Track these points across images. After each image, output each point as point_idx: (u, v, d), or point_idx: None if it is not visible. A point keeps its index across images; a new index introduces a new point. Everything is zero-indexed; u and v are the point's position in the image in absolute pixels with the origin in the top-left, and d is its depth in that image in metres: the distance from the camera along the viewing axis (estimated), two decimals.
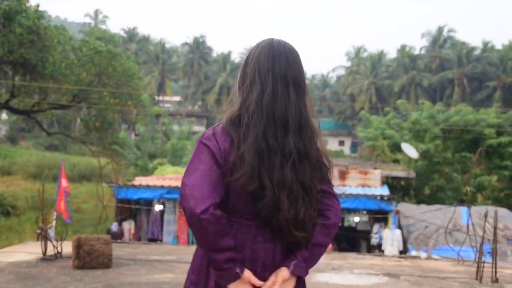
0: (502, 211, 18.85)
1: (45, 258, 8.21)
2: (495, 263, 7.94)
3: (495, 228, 8.12)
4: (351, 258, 9.86)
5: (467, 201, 9.74)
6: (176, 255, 9.32)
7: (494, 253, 8.06)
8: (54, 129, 52.31)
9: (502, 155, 25.36)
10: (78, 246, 7.58)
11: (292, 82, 2.22)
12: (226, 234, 2.15)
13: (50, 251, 8.37)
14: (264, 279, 2.20)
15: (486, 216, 8.62)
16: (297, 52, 2.30)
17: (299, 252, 2.21)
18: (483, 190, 26.13)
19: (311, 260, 2.25)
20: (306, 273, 2.22)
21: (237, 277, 2.15)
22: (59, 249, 8.21)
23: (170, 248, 10.40)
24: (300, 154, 2.18)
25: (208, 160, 2.20)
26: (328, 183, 2.30)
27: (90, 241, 7.62)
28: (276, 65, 2.23)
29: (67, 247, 8.48)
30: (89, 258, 7.65)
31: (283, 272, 2.19)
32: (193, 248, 10.82)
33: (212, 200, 2.13)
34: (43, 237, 8.17)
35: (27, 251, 8.91)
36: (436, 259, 10.07)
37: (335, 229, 2.27)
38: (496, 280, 7.90)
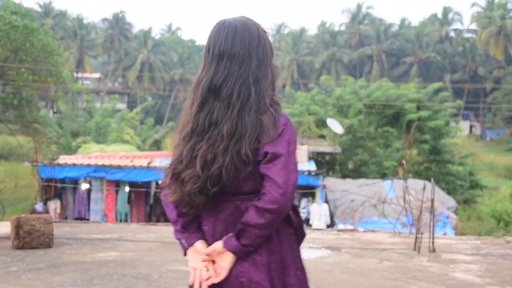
0: (422, 184, 19.58)
1: None
2: (433, 234, 8.24)
3: (432, 200, 8.41)
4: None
5: (404, 174, 10.02)
6: (118, 234, 9.18)
7: (432, 224, 8.36)
8: None
9: (422, 129, 26.16)
10: (18, 226, 7.35)
11: (220, 54, 2.27)
12: (172, 208, 2.35)
13: None
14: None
15: (424, 189, 8.90)
16: (240, 23, 2.32)
17: (237, 228, 2.25)
18: (402, 164, 26.92)
19: (244, 238, 2.22)
20: (236, 249, 2.22)
21: (185, 247, 2.34)
22: None
23: (110, 227, 10.22)
24: (213, 122, 2.24)
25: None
26: (272, 163, 2.20)
27: (30, 221, 7.40)
28: (208, 43, 2.33)
29: (3, 228, 8.20)
30: (29, 238, 7.43)
31: (217, 244, 2.27)
32: (131, 226, 10.68)
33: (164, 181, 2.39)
34: None
35: None
36: (374, 232, 10.34)
37: (269, 215, 2.19)
38: (433, 250, 8.22)
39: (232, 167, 2.18)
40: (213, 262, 2.28)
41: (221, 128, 2.20)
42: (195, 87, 2.31)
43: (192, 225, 2.33)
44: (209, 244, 2.29)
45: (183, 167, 2.24)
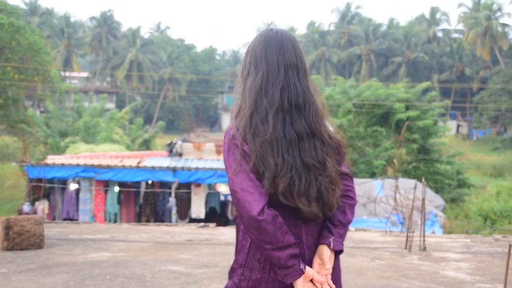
0: (412, 183, 19.64)
1: None
2: (424, 233, 8.28)
3: (423, 199, 8.45)
4: None
5: (394, 172, 10.05)
6: (109, 234, 9.14)
7: (422, 223, 8.39)
8: None
9: (411, 128, 26.25)
10: (7, 227, 7.29)
11: (288, 65, 2.27)
12: (285, 231, 2.16)
13: None
14: (311, 260, 2.25)
15: (415, 188, 8.95)
16: (292, 37, 2.36)
17: (335, 229, 2.27)
18: (392, 163, 27.05)
19: (344, 236, 2.32)
20: (343, 247, 2.30)
21: (301, 273, 2.16)
22: None
23: (101, 227, 10.18)
24: (300, 134, 2.22)
25: (244, 160, 2.21)
26: (345, 164, 2.38)
27: (20, 222, 7.35)
28: (268, 52, 2.28)
29: None
30: (19, 239, 7.38)
31: (326, 250, 2.23)
32: (123, 226, 10.65)
33: (264, 200, 2.16)
34: None
35: None
36: (365, 231, 10.37)
37: (354, 209, 2.37)
38: (424, 249, 8.26)
39: (337, 179, 2.27)
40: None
41: (312, 142, 2.23)
42: (261, 97, 2.23)
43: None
44: (305, 253, 2.24)
45: (297, 183, 2.17)
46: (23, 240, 7.39)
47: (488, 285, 6.42)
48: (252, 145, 2.19)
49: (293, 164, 2.18)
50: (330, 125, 2.36)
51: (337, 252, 2.29)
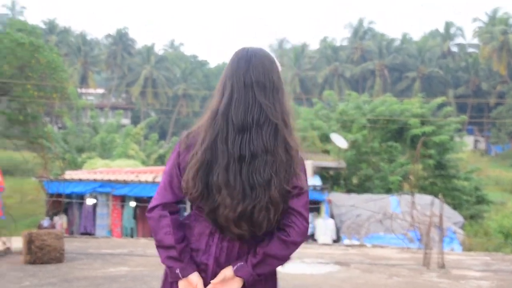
0: (428, 199, 19.55)
1: None
2: (442, 250, 8.26)
3: (441, 215, 8.44)
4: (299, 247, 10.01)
5: (411, 188, 10.06)
6: (127, 248, 9.23)
7: (440, 240, 8.38)
8: None
9: (426, 144, 26.17)
10: (29, 242, 7.41)
11: (254, 83, 2.27)
12: (167, 232, 2.23)
13: None
14: (216, 274, 2.25)
15: (432, 204, 8.93)
16: (264, 56, 2.35)
17: (250, 257, 2.25)
18: (409, 179, 26.93)
19: (261, 267, 2.26)
20: (251, 277, 2.24)
21: (178, 277, 2.23)
22: (7, 245, 7.97)
23: (119, 242, 10.27)
24: (255, 153, 2.20)
25: (172, 162, 2.34)
26: (298, 198, 2.27)
27: (42, 236, 7.46)
28: (236, 71, 2.31)
29: (15, 243, 8.25)
30: (41, 253, 7.48)
31: (226, 271, 2.24)
32: (140, 241, 10.73)
33: (161, 200, 2.29)
34: None
35: None
36: (382, 247, 10.37)
37: (295, 247, 2.27)
38: (443, 266, 8.24)
39: (277, 199, 2.19)
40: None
41: (278, 158, 2.20)
42: (225, 113, 2.25)
43: (187, 254, 2.26)
44: (209, 265, 2.26)
45: (254, 198, 2.16)
46: (44, 254, 7.51)
47: None
48: (194, 154, 2.24)
49: (240, 186, 2.17)
50: (294, 142, 2.28)
51: (247, 279, 2.24)
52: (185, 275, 2.22)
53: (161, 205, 2.26)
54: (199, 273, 2.25)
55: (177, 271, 2.22)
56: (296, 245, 2.26)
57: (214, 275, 2.23)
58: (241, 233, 2.19)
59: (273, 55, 2.42)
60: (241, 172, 2.18)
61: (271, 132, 2.22)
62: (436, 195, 21.71)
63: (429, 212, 9.60)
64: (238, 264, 2.23)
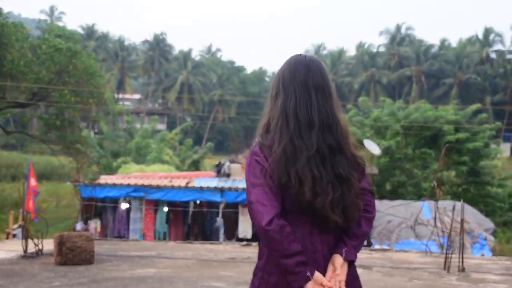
0: (459, 205, 19.44)
1: (26, 256, 8.30)
2: (462, 254, 8.33)
3: (462, 220, 8.51)
4: None
5: (437, 195, 10.12)
6: (156, 251, 9.49)
7: (461, 245, 8.44)
8: (10, 127, 51.47)
9: (460, 151, 26.04)
10: (60, 243, 7.70)
11: (314, 87, 2.49)
12: (292, 240, 2.36)
13: (30, 248, 8.45)
14: (325, 268, 2.44)
15: (453, 209, 8.98)
16: (319, 62, 2.58)
17: (349, 241, 2.48)
18: (442, 186, 26.80)
19: (358, 248, 2.52)
20: (356, 258, 2.50)
21: (308, 279, 2.36)
22: (39, 247, 8.29)
23: (148, 245, 10.55)
24: (332, 148, 2.44)
25: (262, 175, 2.44)
26: (366, 180, 2.57)
27: (73, 238, 7.75)
28: (297, 74, 2.51)
29: (46, 245, 8.57)
30: (71, 255, 7.77)
31: (339, 259, 2.44)
32: (169, 244, 11.00)
33: (274, 212, 2.37)
34: (26, 235, 8.23)
35: (6, 249, 8.97)
36: (405, 251, 10.44)
37: (372, 222, 2.58)
38: (463, 270, 8.31)
39: (359, 189, 2.48)
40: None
41: (340, 154, 2.45)
42: (294, 114, 2.45)
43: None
44: (319, 262, 2.43)
45: (345, 193, 2.41)
46: (75, 256, 7.80)
47: None
48: (273, 160, 2.41)
49: (326, 176, 2.40)
50: (352, 144, 2.54)
51: (351, 262, 2.47)
52: (312, 275, 2.37)
53: (275, 216, 2.36)
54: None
55: (308, 273, 2.36)
56: (373, 219, 2.58)
57: (325, 268, 2.43)
58: (337, 220, 2.41)
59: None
60: (323, 164, 2.41)
61: (339, 131, 2.47)
62: (469, 202, 21.62)
63: (456, 217, 9.64)
64: (344, 249, 2.45)
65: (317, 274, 2.38)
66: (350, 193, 2.43)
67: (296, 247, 2.36)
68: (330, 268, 2.43)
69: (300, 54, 2.60)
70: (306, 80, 2.49)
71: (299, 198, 2.39)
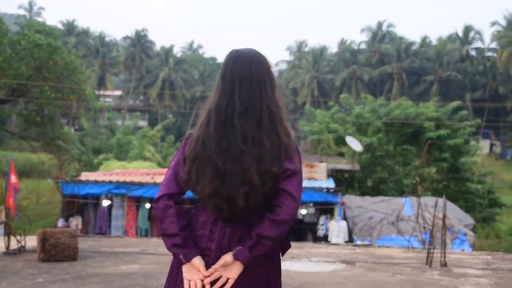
0: (441, 202, 19.63)
1: (8, 252, 8.24)
2: (444, 249, 8.43)
3: (444, 216, 8.60)
4: (308, 246, 10.22)
5: (417, 191, 10.21)
6: (139, 247, 9.47)
7: (443, 240, 8.54)
8: None
9: (441, 147, 26.27)
10: (43, 240, 7.67)
11: (239, 80, 2.50)
12: (173, 221, 2.42)
13: (13, 245, 8.40)
14: (218, 258, 2.42)
15: (436, 205, 9.08)
16: (251, 52, 2.58)
17: (248, 241, 2.41)
18: (423, 182, 27.00)
19: (256, 249, 2.41)
20: (248, 260, 2.40)
21: (181, 262, 2.42)
22: (22, 243, 8.24)
23: (132, 241, 10.53)
24: (235, 144, 2.41)
25: (177, 157, 2.56)
26: (289, 180, 2.44)
27: (56, 235, 7.72)
28: (224, 70, 2.55)
29: (29, 242, 8.52)
30: (54, 251, 7.74)
31: (227, 256, 2.42)
32: (152, 240, 10.98)
33: (165, 191, 2.49)
34: (8, 231, 8.18)
35: None
36: (388, 247, 10.54)
37: (284, 226, 2.41)
38: (445, 264, 8.41)
39: (270, 183, 2.40)
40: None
41: (262, 146, 2.40)
42: (214, 109, 2.48)
43: (190, 240, 2.44)
44: (212, 250, 2.43)
45: (232, 184, 2.37)
46: (58, 252, 7.76)
47: None
48: (190, 149, 2.47)
49: (211, 170, 2.39)
50: (283, 129, 2.49)
51: (245, 262, 2.40)
52: (188, 259, 2.40)
53: (166, 196, 2.46)
54: (203, 257, 2.42)
55: (181, 256, 2.40)
56: (285, 223, 2.40)
57: (217, 258, 2.40)
58: (216, 206, 2.39)
59: (264, 54, 2.62)
60: (220, 161, 2.39)
61: (254, 122, 2.43)
62: (449, 198, 21.81)
63: (437, 213, 9.73)
64: (237, 248, 2.39)
65: (196, 260, 2.41)
66: (238, 184, 2.37)
67: (173, 229, 2.42)
68: (219, 262, 2.41)
69: (233, 50, 2.61)
70: (232, 74, 2.51)
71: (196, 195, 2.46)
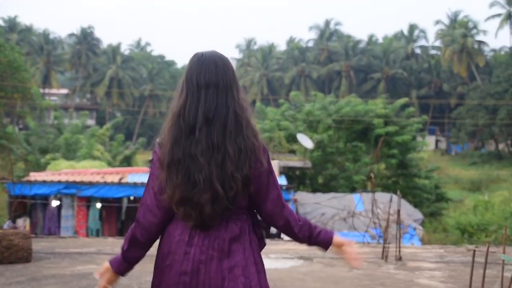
0: (389, 197, 19.96)
1: None
2: (399, 244, 8.59)
3: (398, 211, 8.76)
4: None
5: (372, 187, 10.36)
6: (95, 247, 9.33)
7: (398, 235, 8.70)
8: None
9: (389, 144, 26.70)
10: None
11: (205, 85, 2.46)
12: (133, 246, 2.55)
13: None
14: (199, 262, 2.40)
15: (391, 201, 9.24)
16: (217, 57, 2.54)
17: (317, 227, 2.64)
18: (369, 177, 27.36)
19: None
20: None
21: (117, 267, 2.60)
22: None
23: (87, 241, 10.36)
24: (202, 151, 2.40)
25: (153, 175, 2.53)
26: (268, 183, 2.49)
27: (8, 236, 7.54)
28: (190, 74, 2.50)
29: None
30: (7, 253, 7.56)
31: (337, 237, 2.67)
32: (108, 240, 10.83)
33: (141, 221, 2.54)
34: None
35: None
36: None
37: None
38: (400, 258, 8.58)
39: (240, 187, 2.40)
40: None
41: (225, 152, 2.39)
42: (179, 115, 2.44)
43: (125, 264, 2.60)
44: (193, 257, 2.39)
45: (199, 191, 2.37)
46: (11, 254, 7.58)
47: None
48: (162, 156, 2.45)
49: (182, 178, 2.38)
50: (251, 132, 2.48)
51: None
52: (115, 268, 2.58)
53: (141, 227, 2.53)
54: (184, 261, 2.41)
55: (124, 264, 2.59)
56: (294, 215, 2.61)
57: (198, 262, 2.38)
58: (186, 212, 2.38)
59: (226, 55, 2.59)
60: (187, 170, 2.38)
61: (219, 128, 2.41)
62: (398, 195, 22.19)
63: (389, 209, 9.90)
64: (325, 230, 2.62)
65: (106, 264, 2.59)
66: (204, 193, 2.39)
67: (143, 237, 2.53)
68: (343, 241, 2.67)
69: (198, 53, 2.58)
70: (198, 80, 2.47)
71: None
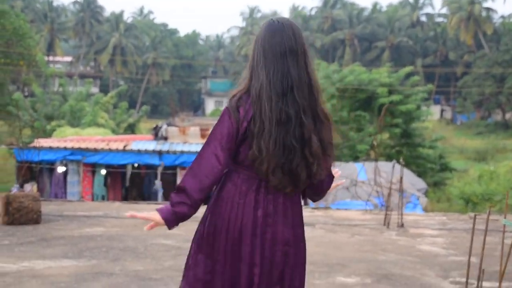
0: (400, 166, 20.02)
1: None
2: (402, 210, 8.73)
3: (401, 178, 8.88)
4: None
5: (376, 155, 10.47)
6: (102, 211, 9.51)
7: (400, 202, 8.84)
8: None
9: (393, 113, 26.64)
10: (7, 203, 7.65)
11: (288, 52, 2.53)
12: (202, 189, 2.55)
13: None
14: (266, 223, 2.51)
15: (393, 167, 9.36)
16: (292, 24, 2.62)
17: None
18: (372, 146, 27.39)
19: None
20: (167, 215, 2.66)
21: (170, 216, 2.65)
22: None
23: (94, 205, 10.55)
24: (293, 115, 2.47)
25: (225, 126, 2.52)
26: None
27: (19, 198, 7.71)
28: (272, 41, 2.56)
29: None
30: (18, 215, 7.74)
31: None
32: (115, 204, 11.00)
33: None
34: None
35: None
36: (346, 210, 10.82)
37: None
38: (402, 225, 8.72)
39: (329, 153, 2.59)
40: None
41: (313, 119, 2.50)
42: (269, 83, 2.48)
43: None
44: (262, 221, 2.49)
45: (293, 158, 2.44)
46: (22, 216, 7.77)
47: (460, 257, 6.87)
48: (251, 125, 2.47)
49: (277, 141, 2.43)
50: (322, 101, 2.61)
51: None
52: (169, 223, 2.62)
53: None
54: (254, 224, 2.50)
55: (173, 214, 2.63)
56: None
57: (265, 225, 2.49)
58: (280, 180, 2.45)
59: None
60: (281, 135, 2.44)
61: (305, 94, 2.50)
62: (401, 163, 22.23)
63: (391, 177, 10.03)
64: None
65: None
66: (298, 158, 2.47)
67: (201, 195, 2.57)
68: None
69: (273, 20, 2.65)
70: (280, 47, 2.53)
71: (253, 166, 2.48)
